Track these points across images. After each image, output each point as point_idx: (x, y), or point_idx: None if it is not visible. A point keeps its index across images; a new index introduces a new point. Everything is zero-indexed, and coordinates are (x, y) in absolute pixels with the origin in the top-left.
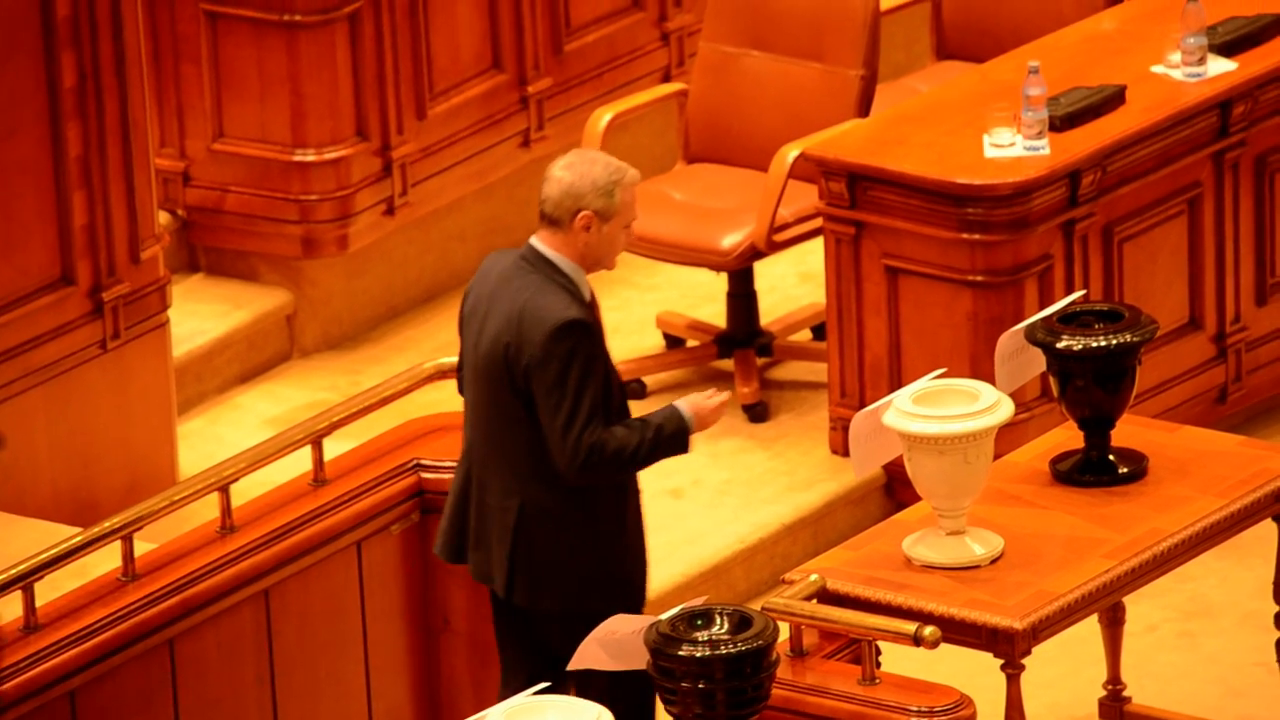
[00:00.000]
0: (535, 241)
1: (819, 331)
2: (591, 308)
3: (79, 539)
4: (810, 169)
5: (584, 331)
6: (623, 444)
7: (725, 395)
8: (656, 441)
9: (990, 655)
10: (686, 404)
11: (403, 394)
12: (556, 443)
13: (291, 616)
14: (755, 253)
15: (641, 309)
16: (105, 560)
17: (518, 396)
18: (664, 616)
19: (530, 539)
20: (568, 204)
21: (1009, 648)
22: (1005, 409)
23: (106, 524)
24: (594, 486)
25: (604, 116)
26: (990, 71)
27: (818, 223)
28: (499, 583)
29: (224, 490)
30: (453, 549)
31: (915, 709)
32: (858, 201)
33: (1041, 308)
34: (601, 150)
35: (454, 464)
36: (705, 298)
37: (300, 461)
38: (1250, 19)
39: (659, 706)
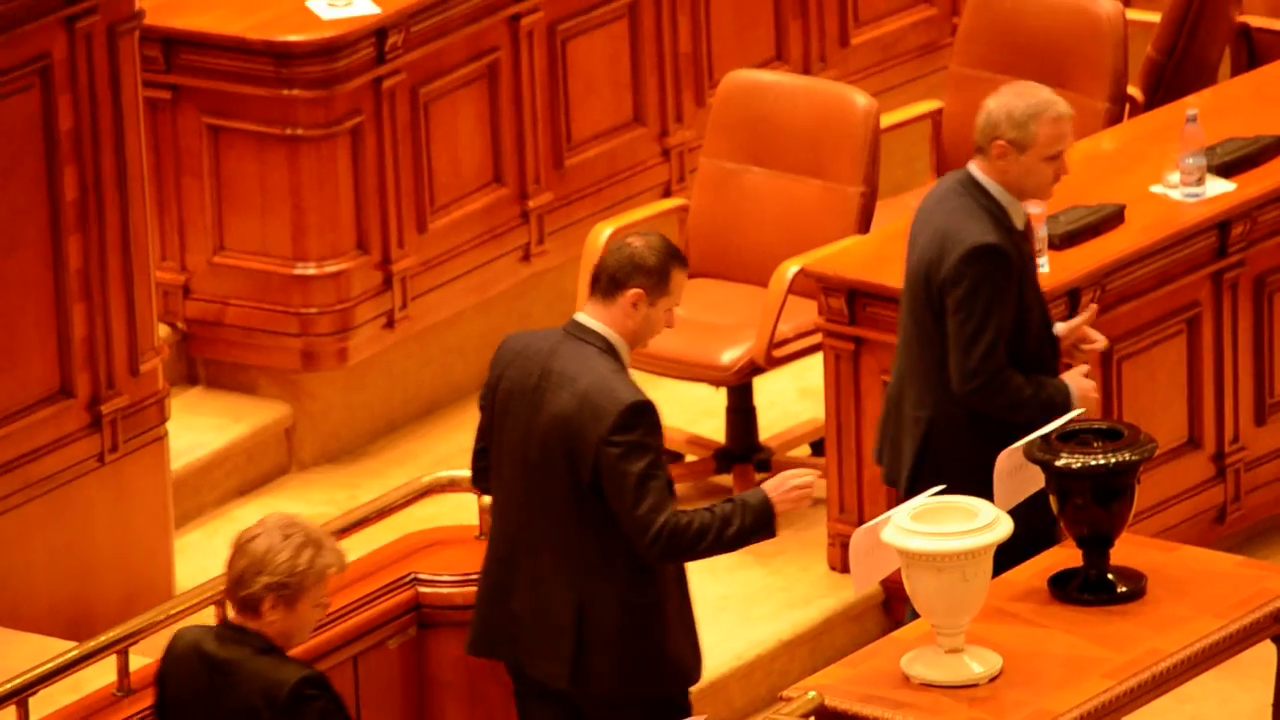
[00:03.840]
0: (971, 166)
1: (818, 447)
2: (1017, 234)
3: (75, 653)
4: (810, 285)
5: (997, 257)
6: (1018, 389)
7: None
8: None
9: None
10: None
11: (401, 508)
12: (954, 361)
13: None
14: (755, 368)
15: None
16: (101, 674)
17: (932, 312)
18: None
19: (938, 449)
20: (986, 132)
21: None
22: (1004, 527)
23: (103, 638)
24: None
25: (605, 231)
26: None
27: (817, 338)
28: (903, 483)
29: (220, 604)
30: (878, 452)
31: None
32: (857, 318)
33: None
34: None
35: (451, 578)
36: (705, 412)
37: None
38: (1249, 140)
39: None
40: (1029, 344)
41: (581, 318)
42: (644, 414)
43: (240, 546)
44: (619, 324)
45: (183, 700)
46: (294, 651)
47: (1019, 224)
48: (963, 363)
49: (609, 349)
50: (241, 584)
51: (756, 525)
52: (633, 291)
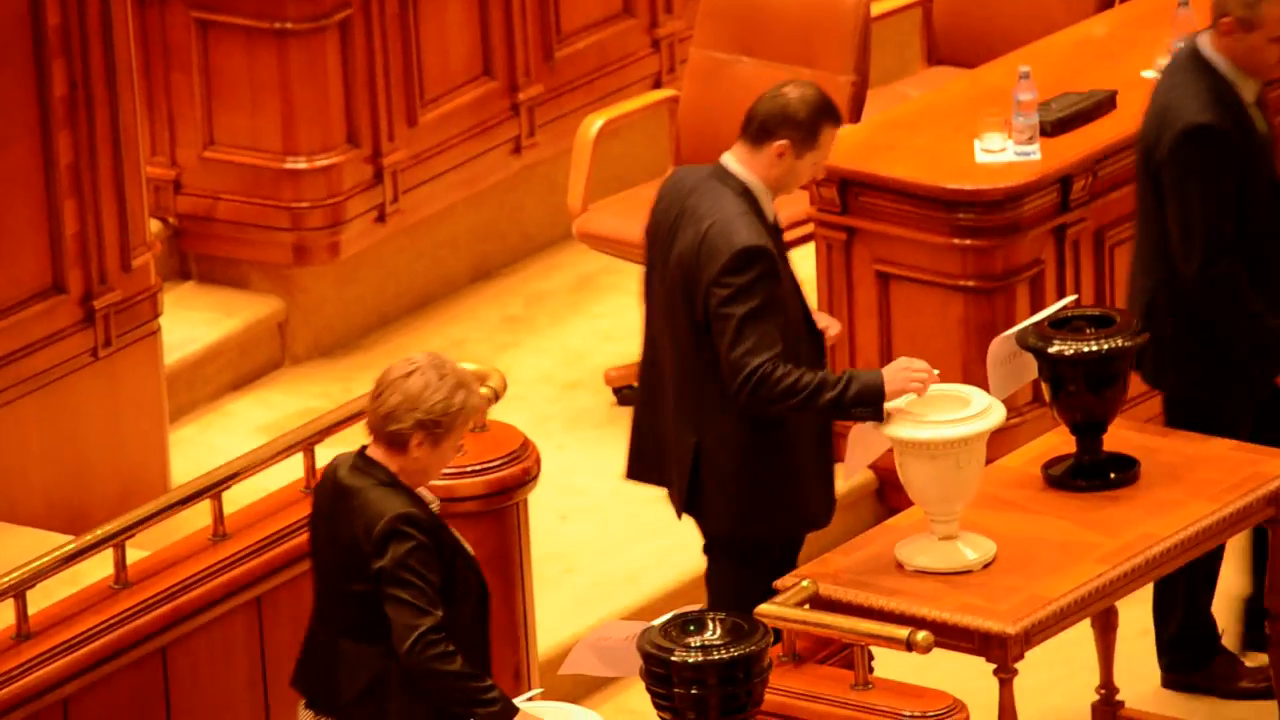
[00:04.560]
0: (1201, 37)
1: None
2: (1244, 109)
3: (71, 547)
4: None
5: (1211, 137)
6: (1247, 291)
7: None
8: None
9: (983, 660)
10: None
11: None
12: (1176, 246)
13: (283, 623)
14: None
15: (633, 315)
16: (97, 568)
17: (1154, 191)
18: (657, 622)
19: (1158, 325)
20: (1217, 7)
21: (1002, 652)
22: (997, 414)
23: (99, 531)
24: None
25: (595, 123)
26: (981, 76)
27: (809, 228)
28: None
29: (216, 497)
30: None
31: (908, 714)
32: (849, 207)
33: (1033, 313)
34: (592, 155)
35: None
36: None
37: (292, 469)
38: None
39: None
40: (1255, 220)
41: (728, 159)
42: (757, 259)
43: (392, 382)
44: (762, 171)
45: (316, 521)
46: None
47: (1249, 98)
48: (1182, 249)
49: (745, 193)
50: (392, 419)
51: (860, 399)
52: (780, 142)
